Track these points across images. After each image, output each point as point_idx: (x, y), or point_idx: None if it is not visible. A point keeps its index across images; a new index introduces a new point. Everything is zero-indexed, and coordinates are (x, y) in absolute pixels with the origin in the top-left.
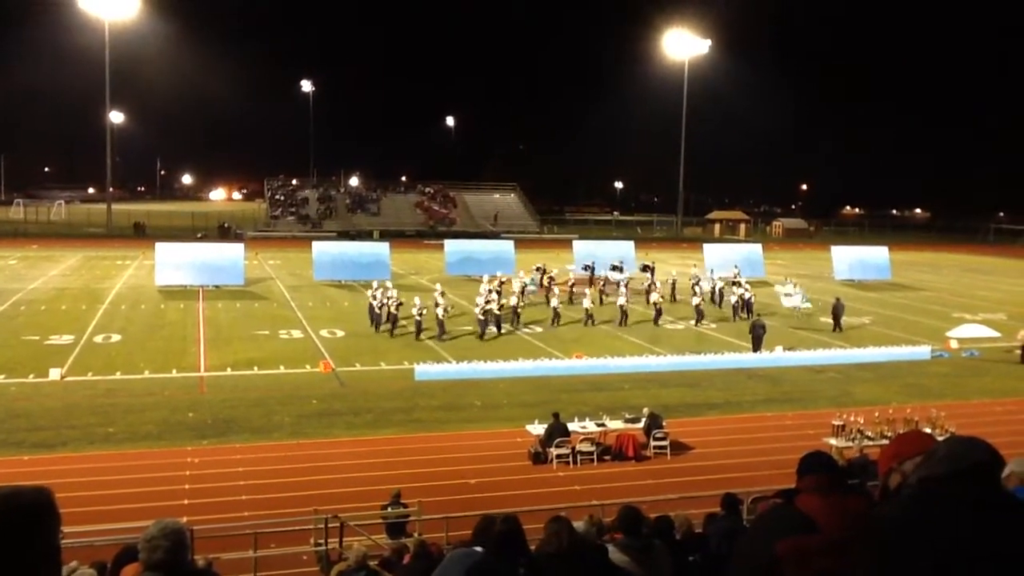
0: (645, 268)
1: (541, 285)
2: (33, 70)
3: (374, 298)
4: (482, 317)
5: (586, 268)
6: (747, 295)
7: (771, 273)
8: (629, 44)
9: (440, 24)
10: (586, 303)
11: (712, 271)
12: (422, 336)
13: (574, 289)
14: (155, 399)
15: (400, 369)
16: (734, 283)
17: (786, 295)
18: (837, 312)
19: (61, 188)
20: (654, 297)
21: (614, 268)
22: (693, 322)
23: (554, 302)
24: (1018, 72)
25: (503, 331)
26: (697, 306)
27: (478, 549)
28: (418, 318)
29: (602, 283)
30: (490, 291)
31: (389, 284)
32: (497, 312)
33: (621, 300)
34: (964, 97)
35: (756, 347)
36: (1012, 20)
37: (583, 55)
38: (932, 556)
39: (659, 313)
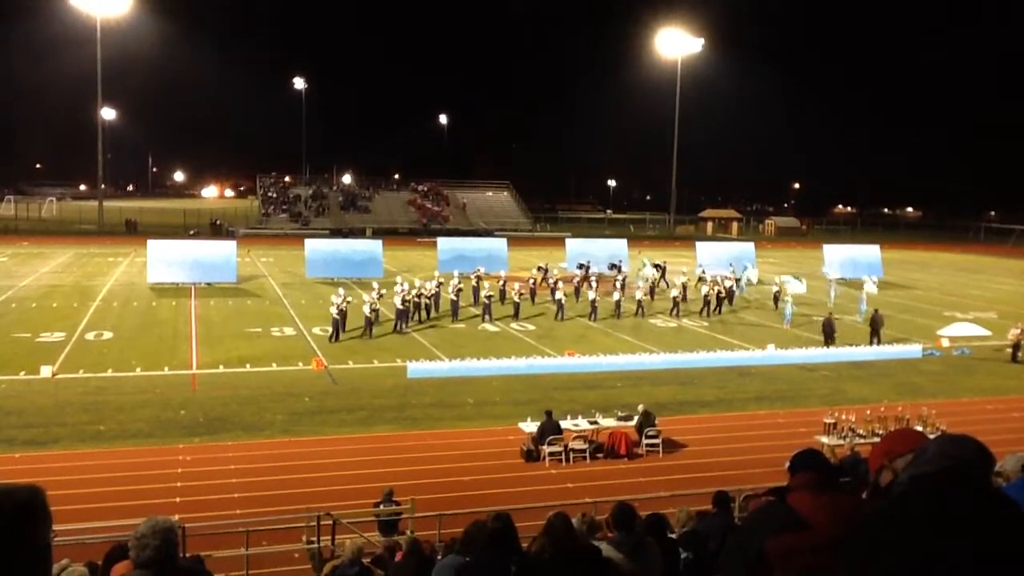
0: (656, 267)
1: (662, 282)
2: (24, 67)
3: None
4: (401, 307)
5: (612, 267)
6: (774, 288)
7: (765, 272)
8: (622, 43)
9: (433, 22)
10: (615, 296)
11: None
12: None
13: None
14: (146, 397)
15: (393, 367)
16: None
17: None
18: (876, 323)
19: (52, 185)
20: (674, 293)
21: (612, 267)
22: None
23: (639, 295)
24: (1009, 72)
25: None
26: (705, 296)
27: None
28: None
29: (595, 279)
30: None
31: (342, 290)
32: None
33: (616, 295)
34: (956, 96)
35: (828, 341)
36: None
37: (576, 53)
38: (922, 554)
39: (676, 305)
